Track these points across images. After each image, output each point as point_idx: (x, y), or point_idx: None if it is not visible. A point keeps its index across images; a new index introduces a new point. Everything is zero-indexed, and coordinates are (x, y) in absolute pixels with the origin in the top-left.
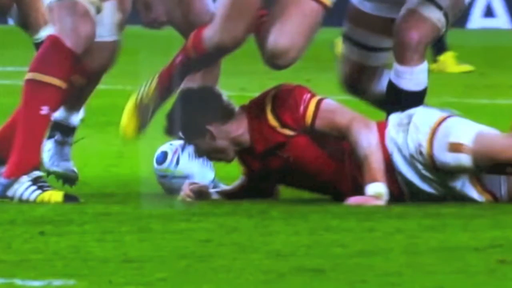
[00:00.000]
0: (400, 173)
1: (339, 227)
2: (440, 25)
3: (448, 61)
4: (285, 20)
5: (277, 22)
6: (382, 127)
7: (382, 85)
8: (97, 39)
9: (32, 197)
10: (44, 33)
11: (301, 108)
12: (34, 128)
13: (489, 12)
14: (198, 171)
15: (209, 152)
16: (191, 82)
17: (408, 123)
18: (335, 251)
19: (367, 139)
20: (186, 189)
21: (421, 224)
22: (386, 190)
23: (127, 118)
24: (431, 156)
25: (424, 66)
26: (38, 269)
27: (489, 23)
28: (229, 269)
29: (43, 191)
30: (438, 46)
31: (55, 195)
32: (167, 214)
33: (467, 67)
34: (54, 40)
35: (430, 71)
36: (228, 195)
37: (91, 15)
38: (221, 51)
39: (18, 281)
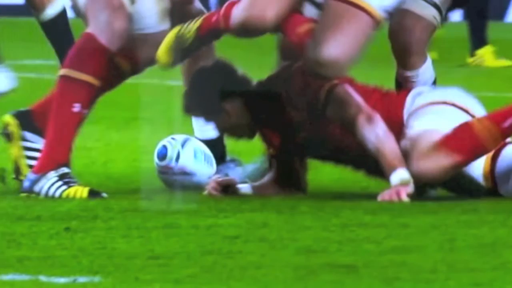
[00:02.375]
0: None
1: (372, 223)
2: (435, 22)
3: (487, 55)
4: (337, 31)
5: (328, 32)
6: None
7: None
8: (143, 31)
9: (57, 193)
10: (50, 11)
11: (313, 92)
12: (65, 124)
13: None
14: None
15: (228, 129)
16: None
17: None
18: (367, 248)
19: (373, 133)
20: (212, 183)
21: (457, 220)
22: (409, 174)
23: (165, 45)
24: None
25: (428, 63)
26: (63, 266)
27: None
28: (257, 266)
29: (69, 187)
30: (478, 40)
31: (80, 191)
32: (194, 210)
33: (506, 62)
34: (88, 37)
35: (467, 65)
36: (257, 191)
37: (126, 8)
38: (245, 31)
39: (43, 278)
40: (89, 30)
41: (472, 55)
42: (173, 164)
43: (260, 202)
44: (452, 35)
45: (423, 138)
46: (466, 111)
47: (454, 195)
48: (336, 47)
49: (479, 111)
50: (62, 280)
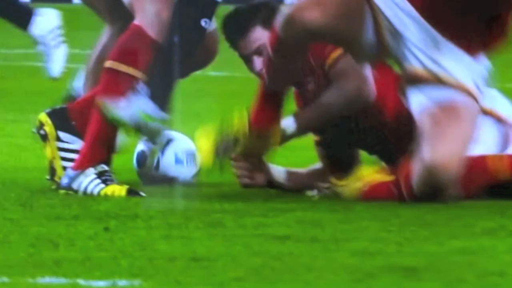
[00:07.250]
0: None
1: (434, 223)
2: None
3: None
4: (457, 128)
5: (448, 131)
6: None
7: None
8: None
9: (95, 191)
10: None
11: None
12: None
13: None
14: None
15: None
16: None
17: None
18: (429, 249)
19: (343, 94)
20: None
21: None
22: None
23: (208, 148)
24: None
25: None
26: (102, 268)
27: None
28: (309, 268)
29: (106, 185)
30: None
31: (118, 189)
32: (239, 209)
33: None
34: (136, 30)
35: None
36: (300, 179)
37: None
38: (290, 35)
39: (81, 281)
40: (136, 22)
41: None
42: (153, 172)
43: (311, 200)
44: None
45: None
46: (499, 119)
47: None
48: (456, 145)
49: None
50: (101, 283)
